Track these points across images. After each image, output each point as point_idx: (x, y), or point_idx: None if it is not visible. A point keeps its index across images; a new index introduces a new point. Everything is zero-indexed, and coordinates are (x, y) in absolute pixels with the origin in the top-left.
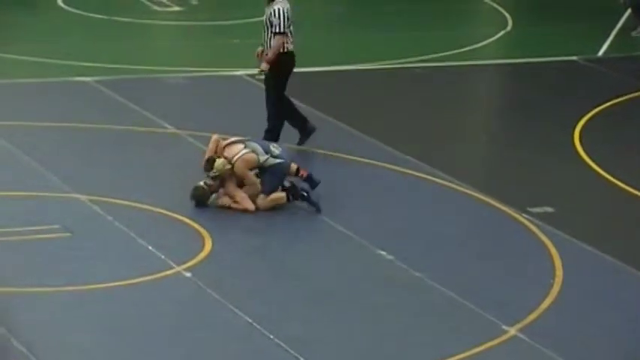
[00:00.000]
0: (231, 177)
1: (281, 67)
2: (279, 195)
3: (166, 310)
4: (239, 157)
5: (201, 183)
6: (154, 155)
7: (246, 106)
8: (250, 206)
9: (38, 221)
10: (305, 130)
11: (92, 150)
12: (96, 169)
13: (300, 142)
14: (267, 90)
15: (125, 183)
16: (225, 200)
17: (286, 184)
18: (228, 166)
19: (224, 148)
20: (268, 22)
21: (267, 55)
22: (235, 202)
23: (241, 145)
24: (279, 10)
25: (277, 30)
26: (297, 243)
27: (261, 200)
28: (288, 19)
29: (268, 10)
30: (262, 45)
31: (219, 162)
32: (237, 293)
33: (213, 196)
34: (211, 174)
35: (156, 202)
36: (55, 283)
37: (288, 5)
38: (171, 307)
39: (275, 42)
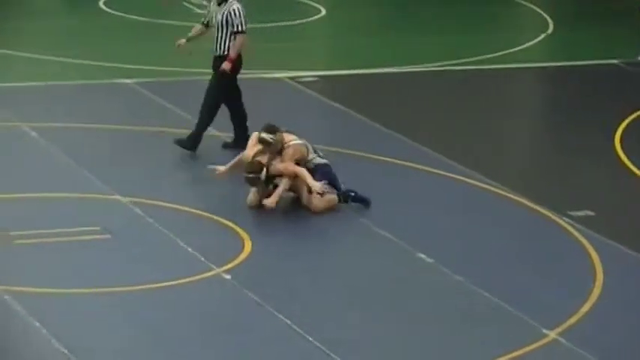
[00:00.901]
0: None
1: (233, 68)
2: (333, 197)
3: (205, 312)
4: (292, 144)
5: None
6: (193, 157)
7: (287, 109)
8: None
9: (79, 223)
10: (240, 139)
11: (133, 152)
12: (136, 170)
13: (227, 146)
14: (209, 90)
15: (165, 185)
16: (271, 200)
17: (342, 187)
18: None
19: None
20: (224, 22)
21: (227, 54)
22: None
23: (295, 136)
24: (238, 9)
25: (239, 29)
26: (336, 245)
27: (318, 200)
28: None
29: (223, 10)
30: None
31: (278, 136)
32: (277, 295)
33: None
34: (268, 138)
35: (195, 204)
36: (95, 284)
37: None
38: (211, 309)
39: (238, 41)
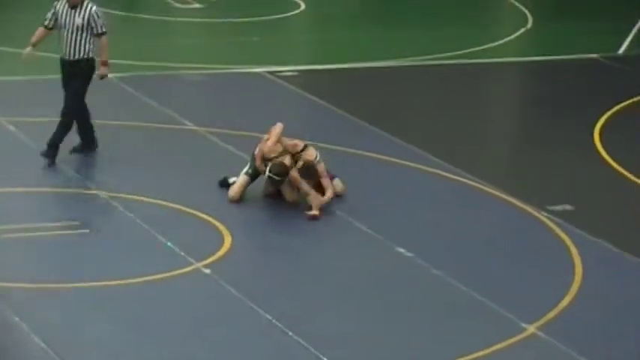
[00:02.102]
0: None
1: (90, 70)
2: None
3: (185, 307)
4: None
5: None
6: (173, 152)
7: (266, 104)
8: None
9: (58, 217)
10: (88, 146)
11: (112, 147)
12: (116, 166)
13: (74, 151)
14: (69, 93)
15: (145, 180)
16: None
17: None
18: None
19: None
20: (85, 25)
21: (86, 58)
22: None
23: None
24: (97, 11)
25: (101, 30)
26: (317, 240)
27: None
28: None
29: (82, 14)
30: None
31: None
32: (257, 290)
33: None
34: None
35: (175, 199)
36: (74, 279)
37: None
38: (190, 303)
39: (104, 43)
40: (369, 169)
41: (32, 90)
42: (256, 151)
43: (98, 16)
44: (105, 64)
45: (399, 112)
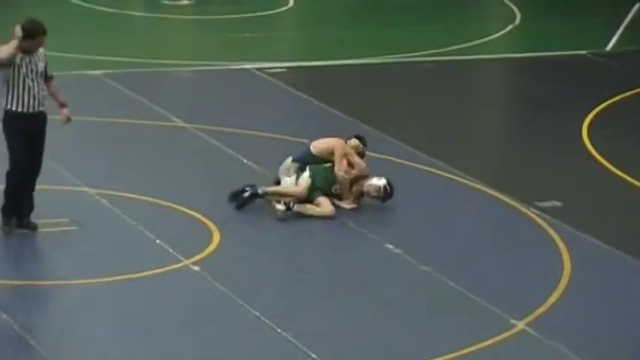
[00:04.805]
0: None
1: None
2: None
3: (174, 304)
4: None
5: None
6: (162, 149)
7: (255, 100)
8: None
9: (46, 214)
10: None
11: (101, 143)
12: (104, 162)
13: None
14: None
15: (134, 177)
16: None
17: None
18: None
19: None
20: (44, 70)
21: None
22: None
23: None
24: (45, 53)
25: (51, 74)
26: (303, 236)
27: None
28: None
29: (41, 58)
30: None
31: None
32: (246, 287)
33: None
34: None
35: (164, 196)
36: (63, 276)
37: None
38: (179, 300)
39: (54, 85)
40: None
41: None
42: (337, 155)
43: (46, 59)
44: (66, 105)
45: (386, 108)
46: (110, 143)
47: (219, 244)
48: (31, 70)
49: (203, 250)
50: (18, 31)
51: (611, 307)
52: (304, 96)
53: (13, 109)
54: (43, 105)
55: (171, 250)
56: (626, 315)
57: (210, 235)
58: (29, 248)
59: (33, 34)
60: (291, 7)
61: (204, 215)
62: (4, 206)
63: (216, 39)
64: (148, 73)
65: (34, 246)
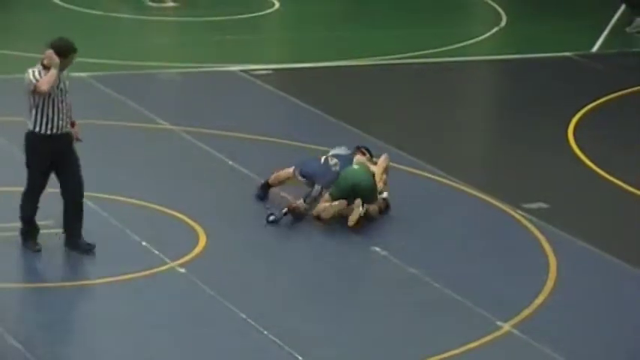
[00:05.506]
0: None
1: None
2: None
3: (160, 306)
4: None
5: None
6: (148, 151)
7: (241, 102)
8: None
9: None
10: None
11: (86, 146)
12: (89, 165)
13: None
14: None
15: (119, 179)
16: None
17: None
18: None
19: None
20: (64, 86)
21: (72, 122)
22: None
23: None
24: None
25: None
26: (290, 239)
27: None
28: None
29: (65, 74)
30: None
31: None
32: (232, 289)
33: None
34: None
35: (150, 198)
36: (48, 279)
37: None
38: (165, 302)
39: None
40: None
41: (4, 90)
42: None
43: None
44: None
45: (373, 110)
46: (96, 146)
47: (205, 247)
48: (61, 90)
49: (189, 252)
50: (54, 57)
51: (596, 308)
52: (290, 98)
53: (42, 132)
54: (68, 124)
55: (157, 252)
56: (612, 316)
57: (197, 237)
58: (13, 250)
59: (65, 54)
60: (277, 10)
61: (190, 217)
62: (24, 230)
63: (202, 41)
64: (135, 75)
65: (18, 248)
